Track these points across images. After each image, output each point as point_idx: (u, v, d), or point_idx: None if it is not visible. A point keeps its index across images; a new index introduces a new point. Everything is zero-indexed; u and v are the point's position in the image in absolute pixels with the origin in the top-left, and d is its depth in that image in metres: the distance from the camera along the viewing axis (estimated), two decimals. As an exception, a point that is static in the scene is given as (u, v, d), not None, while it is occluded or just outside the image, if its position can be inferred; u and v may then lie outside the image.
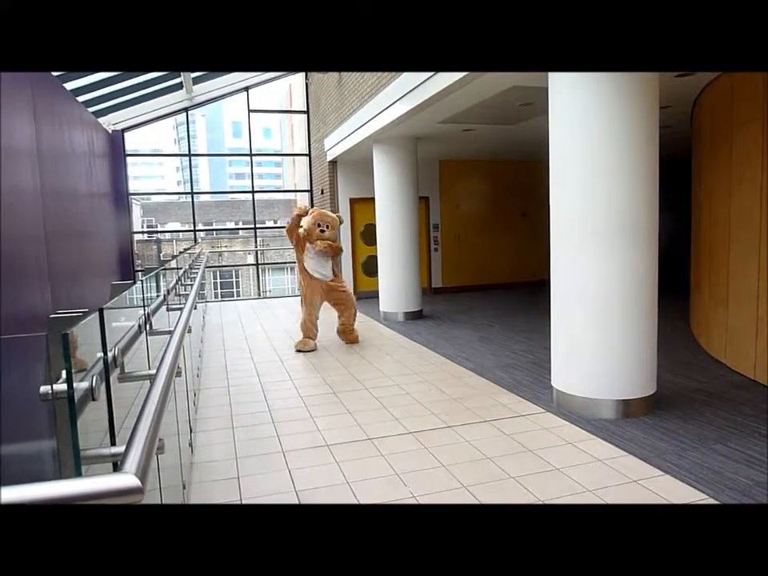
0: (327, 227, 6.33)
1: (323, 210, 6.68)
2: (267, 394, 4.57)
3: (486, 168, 11.13)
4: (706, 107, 5.53)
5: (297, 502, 2.70)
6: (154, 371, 1.38)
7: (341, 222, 6.63)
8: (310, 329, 6.31)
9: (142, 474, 0.73)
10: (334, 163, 10.56)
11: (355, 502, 2.70)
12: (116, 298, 1.39)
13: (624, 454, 3.15)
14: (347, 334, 6.53)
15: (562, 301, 3.97)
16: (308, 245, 6.31)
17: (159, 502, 1.83)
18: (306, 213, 6.44)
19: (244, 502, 2.74)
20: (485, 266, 11.32)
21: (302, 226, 6.39)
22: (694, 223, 6.04)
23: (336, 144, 9.67)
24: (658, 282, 3.86)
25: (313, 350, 6.15)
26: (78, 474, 0.85)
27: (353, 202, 10.60)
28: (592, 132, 3.66)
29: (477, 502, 2.66)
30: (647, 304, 3.76)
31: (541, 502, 2.63)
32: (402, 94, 6.32)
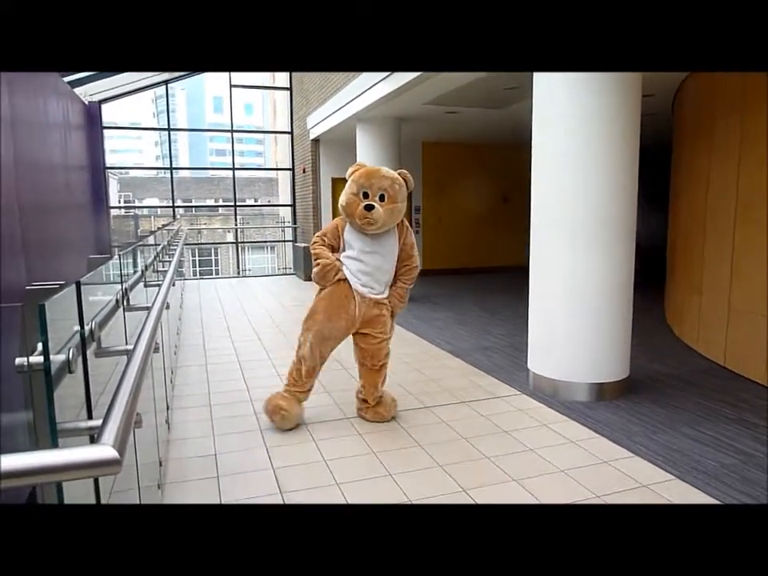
0: (384, 197, 3.28)
1: (376, 167, 3.47)
2: (245, 372, 4.57)
3: (469, 152, 11.12)
4: (687, 97, 5.58)
5: (274, 479, 2.72)
6: (131, 346, 1.37)
7: (410, 188, 3.46)
8: (302, 378, 3.41)
9: (120, 445, 0.73)
10: (316, 142, 10.46)
11: (331, 479, 2.73)
12: (93, 272, 1.38)
13: (596, 436, 3.22)
14: (369, 407, 3.50)
15: (539, 286, 4.01)
16: (347, 228, 3.42)
17: (136, 479, 1.83)
18: (337, 246, 3.44)
19: (220, 478, 2.75)
20: (466, 249, 11.37)
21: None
22: (671, 212, 6.13)
23: (319, 122, 9.57)
24: (638, 272, 3.93)
25: (294, 427, 3.37)
26: (54, 445, 0.85)
27: (335, 181, 10.53)
28: (574, 119, 3.67)
29: (459, 489, 2.70)
30: (622, 291, 3.82)
31: (516, 480, 2.68)
32: (386, 74, 6.26)
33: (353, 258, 3.37)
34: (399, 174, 3.43)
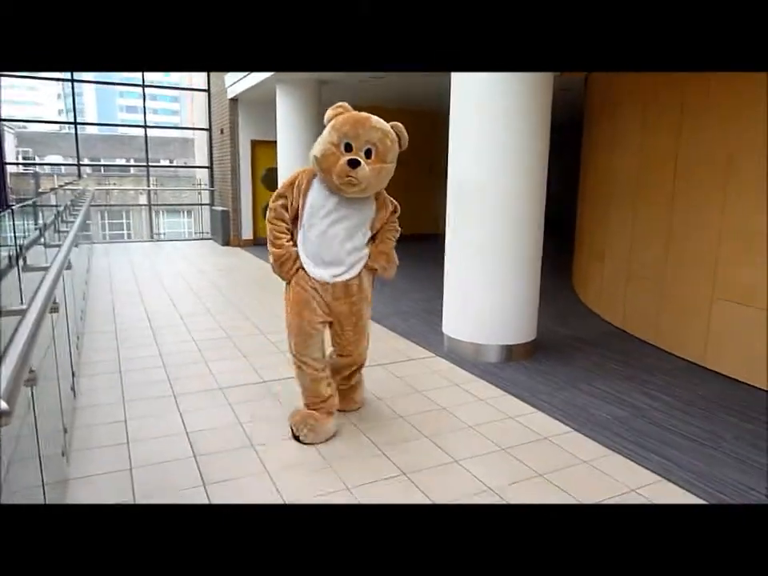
0: (371, 152, 2.70)
1: (365, 114, 2.87)
2: (158, 338, 4.43)
3: (392, 117, 11.03)
4: (596, 82, 5.82)
5: (188, 443, 2.69)
6: (26, 306, 1.31)
7: (403, 146, 2.96)
8: (315, 386, 2.80)
9: (10, 398, 0.71)
10: (235, 101, 10.06)
11: (246, 441, 2.74)
12: (-19, 225, 1.29)
13: (504, 394, 3.41)
14: (347, 396, 3.11)
15: (454, 253, 4.14)
16: (314, 185, 2.71)
17: (36, 448, 1.76)
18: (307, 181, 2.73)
19: (131, 443, 2.68)
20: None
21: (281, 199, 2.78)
22: (580, 184, 6.44)
23: (237, 81, 9.20)
24: (551, 242, 4.12)
25: (329, 438, 2.78)
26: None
27: (254, 144, 10.20)
28: (488, 97, 3.75)
29: (372, 445, 2.78)
30: (531, 259, 4.00)
31: (428, 436, 2.80)
32: (307, 33, 6.09)
33: (310, 231, 2.69)
34: (393, 126, 2.82)
